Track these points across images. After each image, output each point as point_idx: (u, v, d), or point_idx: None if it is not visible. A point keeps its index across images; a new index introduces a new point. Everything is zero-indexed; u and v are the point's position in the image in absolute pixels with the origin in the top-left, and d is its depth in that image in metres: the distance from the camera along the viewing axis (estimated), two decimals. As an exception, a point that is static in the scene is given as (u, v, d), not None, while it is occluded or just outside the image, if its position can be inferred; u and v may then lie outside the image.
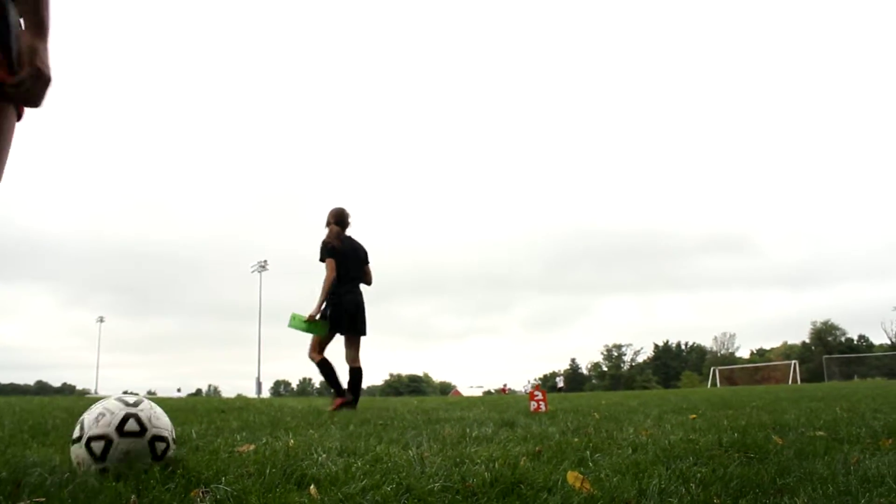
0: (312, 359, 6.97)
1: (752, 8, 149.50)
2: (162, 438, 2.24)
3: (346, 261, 7.00)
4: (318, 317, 6.84)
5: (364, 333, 7.10)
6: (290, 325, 6.84)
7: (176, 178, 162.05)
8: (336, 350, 7.06)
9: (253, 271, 58.19)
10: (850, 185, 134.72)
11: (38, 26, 1.75)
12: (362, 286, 7.26)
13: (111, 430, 2.11)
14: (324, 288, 6.86)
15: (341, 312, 6.88)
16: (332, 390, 7.01)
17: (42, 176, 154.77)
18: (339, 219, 7.17)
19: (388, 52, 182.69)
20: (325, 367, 6.93)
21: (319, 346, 6.96)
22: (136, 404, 2.24)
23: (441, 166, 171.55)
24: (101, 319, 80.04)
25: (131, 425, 2.15)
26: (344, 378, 6.98)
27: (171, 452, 2.28)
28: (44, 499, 1.66)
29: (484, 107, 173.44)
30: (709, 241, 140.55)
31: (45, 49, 1.74)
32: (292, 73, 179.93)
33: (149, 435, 2.19)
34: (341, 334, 6.97)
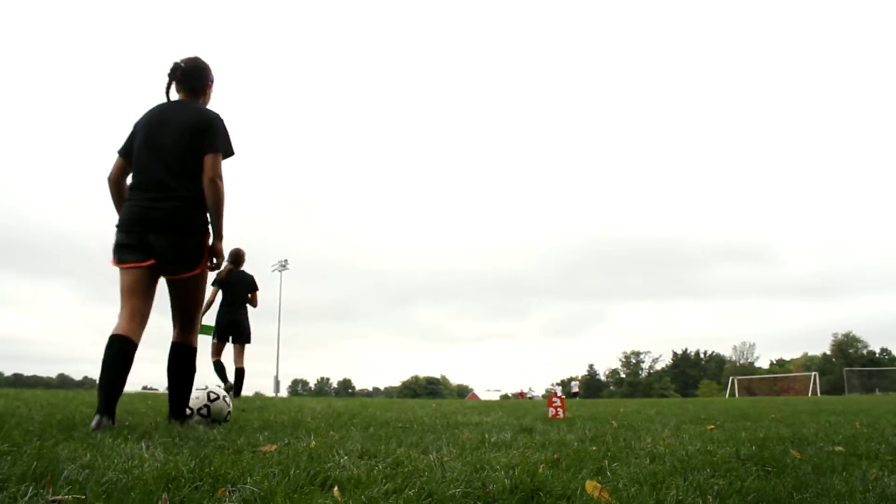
0: (213, 360, 9.46)
1: (775, 15, 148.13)
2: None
3: (231, 289, 9.61)
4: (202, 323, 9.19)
5: (242, 342, 9.66)
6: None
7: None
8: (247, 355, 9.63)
9: (273, 270, 58.37)
10: (871, 196, 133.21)
11: (217, 234, 3.91)
12: (249, 307, 9.85)
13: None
14: (205, 304, 9.24)
15: (220, 326, 9.46)
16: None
17: (65, 173, 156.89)
18: (233, 258, 9.65)
19: (408, 58, 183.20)
20: (218, 367, 9.46)
21: (216, 351, 9.51)
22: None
23: (462, 173, 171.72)
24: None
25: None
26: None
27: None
28: (83, 496, 1.72)
29: (503, 115, 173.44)
30: (728, 250, 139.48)
31: (221, 245, 3.93)
32: (315, 78, 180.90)
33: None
34: (223, 342, 9.54)
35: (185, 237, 3.77)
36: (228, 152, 3.95)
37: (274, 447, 2.91)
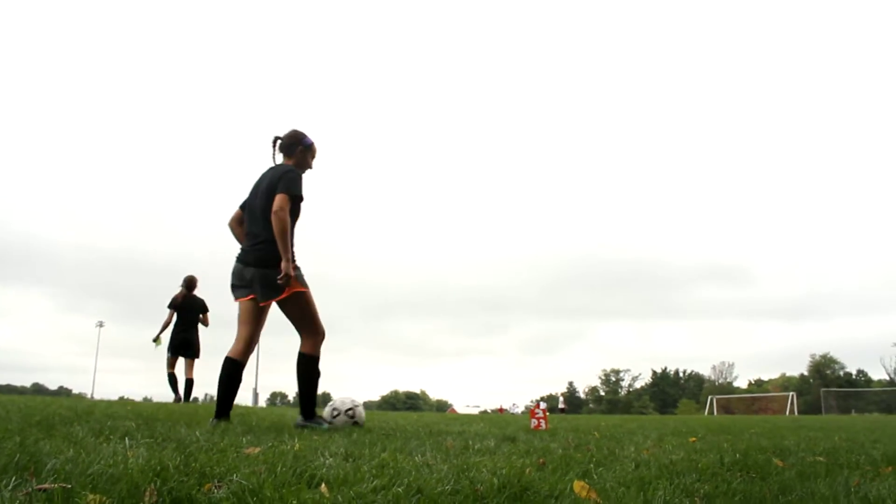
0: (167, 371, 11.08)
1: (756, 34, 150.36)
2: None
3: (184, 311, 11.25)
4: (156, 338, 11.18)
5: (191, 357, 11.30)
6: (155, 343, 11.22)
7: (177, 187, 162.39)
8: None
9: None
10: (850, 220, 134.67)
11: (284, 257, 4.70)
12: (202, 326, 11.49)
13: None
14: (163, 323, 11.15)
15: (174, 343, 11.14)
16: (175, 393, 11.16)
17: (44, 182, 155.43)
18: (187, 284, 11.41)
19: (392, 68, 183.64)
20: (171, 378, 11.09)
21: (170, 364, 11.10)
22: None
23: (443, 188, 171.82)
24: (101, 324, 79.62)
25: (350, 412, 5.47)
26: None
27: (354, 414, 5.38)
28: (68, 484, 1.70)
29: (487, 130, 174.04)
30: (707, 272, 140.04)
31: (285, 265, 4.69)
32: (296, 85, 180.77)
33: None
34: (176, 357, 11.18)
35: (270, 270, 4.79)
36: (294, 195, 4.86)
37: (258, 449, 2.89)
